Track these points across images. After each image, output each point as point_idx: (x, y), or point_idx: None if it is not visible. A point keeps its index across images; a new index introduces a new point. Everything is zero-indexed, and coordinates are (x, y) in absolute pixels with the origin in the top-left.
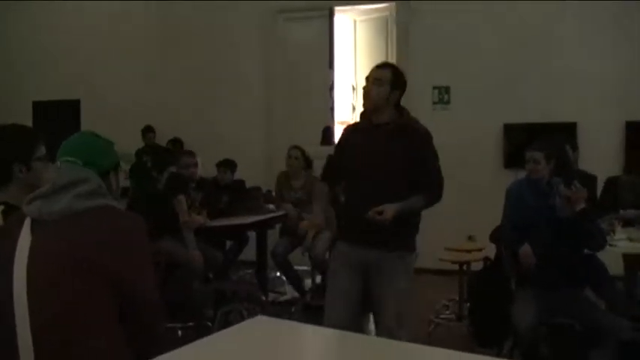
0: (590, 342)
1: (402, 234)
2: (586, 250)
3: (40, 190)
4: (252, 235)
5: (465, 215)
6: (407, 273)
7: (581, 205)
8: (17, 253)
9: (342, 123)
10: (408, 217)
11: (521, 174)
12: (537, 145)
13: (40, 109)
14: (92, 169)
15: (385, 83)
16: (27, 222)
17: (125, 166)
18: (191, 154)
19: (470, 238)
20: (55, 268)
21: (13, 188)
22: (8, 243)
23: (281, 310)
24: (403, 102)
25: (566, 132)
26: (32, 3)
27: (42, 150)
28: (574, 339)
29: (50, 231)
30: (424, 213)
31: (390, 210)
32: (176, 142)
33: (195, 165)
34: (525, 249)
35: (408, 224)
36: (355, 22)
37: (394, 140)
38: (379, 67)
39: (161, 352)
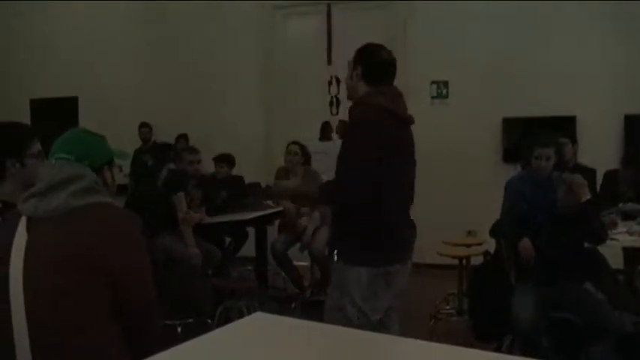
0: (591, 336)
1: (342, 244)
2: (586, 244)
3: (35, 188)
4: (251, 231)
5: (464, 210)
6: (340, 286)
7: (587, 196)
8: (13, 251)
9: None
10: (340, 224)
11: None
12: (546, 141)
13: (38, 106)
14: (86, 165)
15: (350, 64)
16: (23, 220)
17: (120, 163)
18: (194, 150)
19: (469, 232)
20: (52, 266)
21: (7, 185)
22: (4, 242)
23: (280, 306)
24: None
25: (565, 126)
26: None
27: (37, 146)
28: (574, 333)
29: (46, 229)
30: (424, 207)
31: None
32: (181, 138)
33: (199, 161)
34: (525, 243)
35: (344, 233)
36: (352, 17)
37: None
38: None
39: (160, 350)
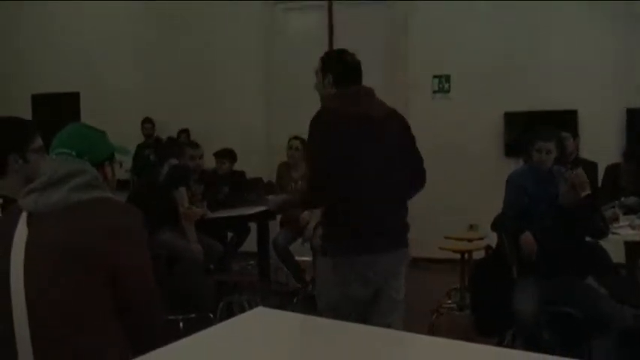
0: (593, 330)
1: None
2: (588, 238)
3: (35, 183)
4: (253, 226)
5: (465, 204)
6: (321, 275)
7: (587, 191)
8: (14, 246)
9: None
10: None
11: (521, 162)
12: (547, 135)
13: (40, 101)
14: (86, 160)
15: (317, 73)
16: (23, 215)
17: (120, 158)
18: (196, 145)
19: (471, 227)
20: (52, 261)
21: (9, 180)
22: (5, 237)
23: (282, 301)
24: (402, 91)
25: (567, 120)
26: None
27: (38, 142)
28: (576, 327)
29: (47, 224)
30: (426, 201)
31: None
32: (182, 133)
33: (201, 157)
34: (526, 236)
35: (321, 222)
36: (354, 12)
37: None
38: (319, 60)
39: (161, 345)
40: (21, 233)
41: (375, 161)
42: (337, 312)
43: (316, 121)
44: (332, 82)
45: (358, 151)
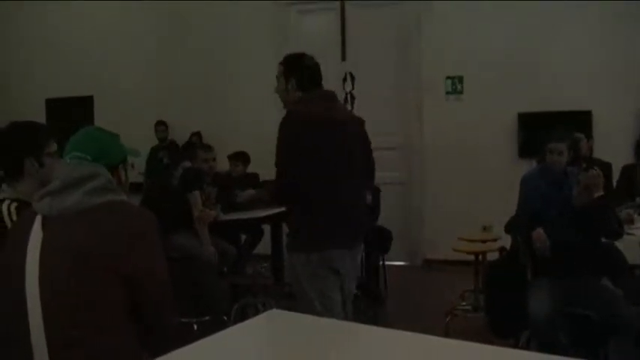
0: (608, 331)
1: (290, 234)
2: (603, 239)
3: (49, 187)
4: (266, 228)
5: (479, 205)
6: (292, 271)
7: (600, 192)
8: (29, 249)
9: None
10: (289, 216)
11: (535, 163)
12: (559, 136)
13: (53, 106)
14: (101, 164)
15: (280, 77)
16: (38, 218)
17: (132, 160)
18: (209, 148)
19: (485, 228)
20: (67, 264)
21: (25, 183)
22: (20, 240)
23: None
24: (415, 92)
25: (581, 120)
26: (43, 2)
27: (53, 146)
28: (592, 329)
29: (61, 227)
30: (439, 203)
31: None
32: (194, 135)
33: (214, 159)
34: (538, 232)
35: (293, 224)
36: (366, 13)
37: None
38: (279, 65)
39: (176, 347)
40: (36, 236)
41: (342, 161)
42: (323, 304)
43: (287, 124)
44: (296, 86)
45: (327, 152)
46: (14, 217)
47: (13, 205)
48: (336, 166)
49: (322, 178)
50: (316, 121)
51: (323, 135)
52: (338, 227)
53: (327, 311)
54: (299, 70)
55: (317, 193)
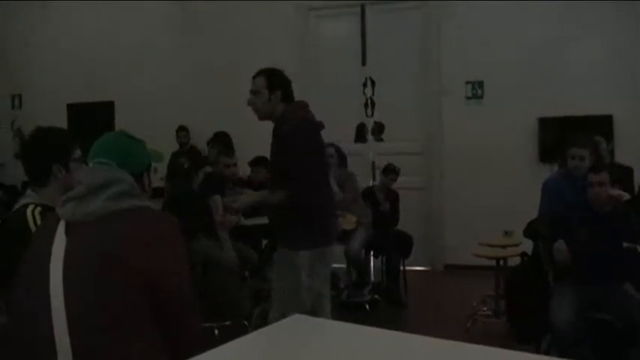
0: (631, 337)
1: (288, 231)
2: (625, 244)
3: (73, 192)
4: None
5: (500, 210)
6: (292, 268)
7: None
8: (53, 255)
9: None
10: (288, 213)
11: (556, 168)
12: (581, 141)
13: (75, 111)
14: (126, 170)
15: (262, 90)
16: (61, 223)
17: (154, 164)
18: (230, 153)
19: (506, 233)
20: (91, 269)
21: (51, 189)
22: (44, 245)
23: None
24: (436, 97)
25: (602, 125)
26: (67, 7)
27: (78, 151)
28: (614, 335)
29: (85, 233)
30: (460, 207)
31: (243, 198)
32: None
33: (235, 164)
34: (559, 245)
35: (291, 221)
36: (387, 17)
37: (274, 137)
38: (254, 78)
39: (197, 352)
40: (59, 242)
41: (326, 162)
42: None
43: (302, 130)
44: (280, 98)
45: (324, 155)
46: (38, 222)
47: (37, 210)
48: (325, 166)
49: (323, 178)
50: (316, 128)
51: (320, 141)
52: (331, 224)
53: (321, 309)
54: (284, 83)
55: (321, 192)
